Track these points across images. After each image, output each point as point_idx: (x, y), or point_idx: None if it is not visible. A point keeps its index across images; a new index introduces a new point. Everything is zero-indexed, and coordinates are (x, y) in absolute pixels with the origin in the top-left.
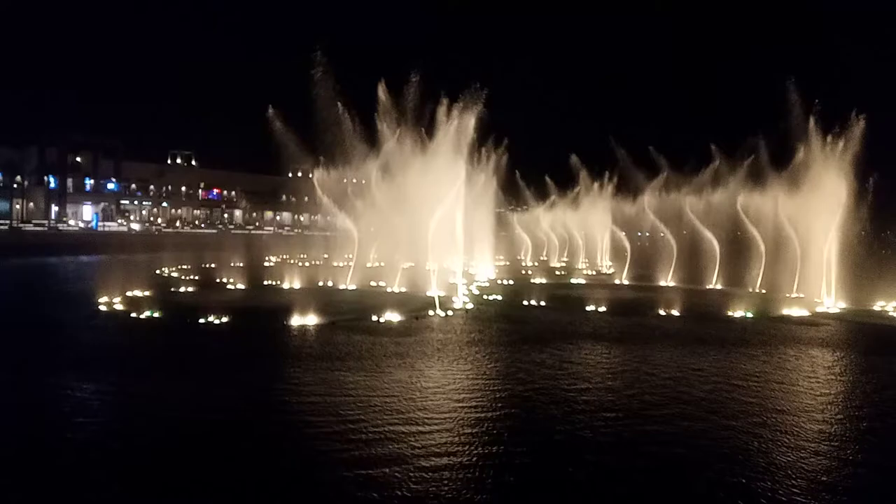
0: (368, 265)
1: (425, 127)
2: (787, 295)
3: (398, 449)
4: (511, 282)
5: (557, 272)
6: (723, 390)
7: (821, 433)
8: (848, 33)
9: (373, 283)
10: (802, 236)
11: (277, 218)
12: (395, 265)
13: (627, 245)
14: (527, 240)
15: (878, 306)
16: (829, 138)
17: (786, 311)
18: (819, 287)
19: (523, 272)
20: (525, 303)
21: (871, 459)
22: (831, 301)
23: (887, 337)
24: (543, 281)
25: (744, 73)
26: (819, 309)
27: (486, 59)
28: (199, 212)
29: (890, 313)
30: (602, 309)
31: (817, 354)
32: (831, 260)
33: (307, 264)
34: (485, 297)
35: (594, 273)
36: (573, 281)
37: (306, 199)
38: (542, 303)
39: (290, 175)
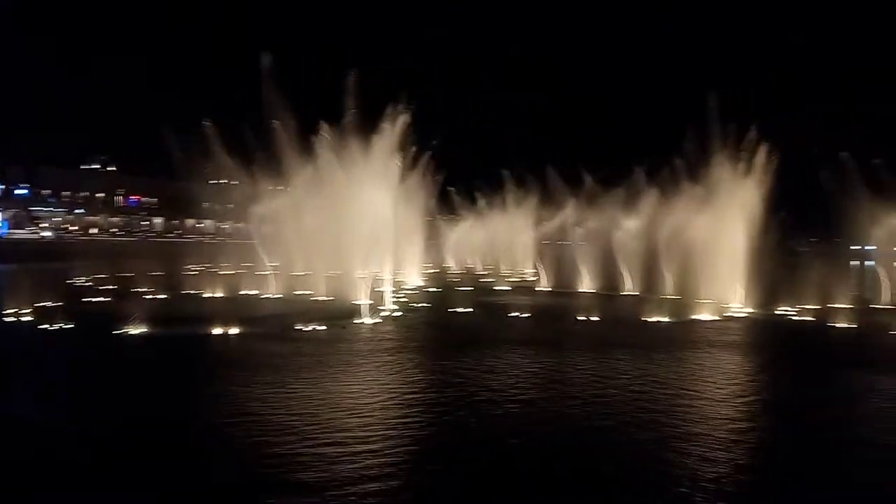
0: (293, 273)
1: (354, 135)
2: (698, 300)
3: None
4: (438, 289)
5: (483, 279)
6: (617, 390)
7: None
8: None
9: (298, 292)
10: (713, 245)
11: (199, 225)
12: (322, 273)
13: (551, 253)
14: (454, 247)
15: (780, 310)
16: (739, 155)
17: (696, 316)
18: (727, 292)
19: (450, 279)
20: (452, 310)
21: (718, 457)
22: (739, 305)
23: (785, 337)
24: (470, 288)
25: (664, 90)
26: (727, 313)
27: (417, 68)
28: (116, 219)
29: (791, 316)
30: (525, 315)
31: (721, 356)
32: (739, 267)
33: (230, 273)
34: (412, 304)
35: (518, 280)
36: (498, 288)
37: (230, 206)
38: (469, 309)
39: (214, 182)
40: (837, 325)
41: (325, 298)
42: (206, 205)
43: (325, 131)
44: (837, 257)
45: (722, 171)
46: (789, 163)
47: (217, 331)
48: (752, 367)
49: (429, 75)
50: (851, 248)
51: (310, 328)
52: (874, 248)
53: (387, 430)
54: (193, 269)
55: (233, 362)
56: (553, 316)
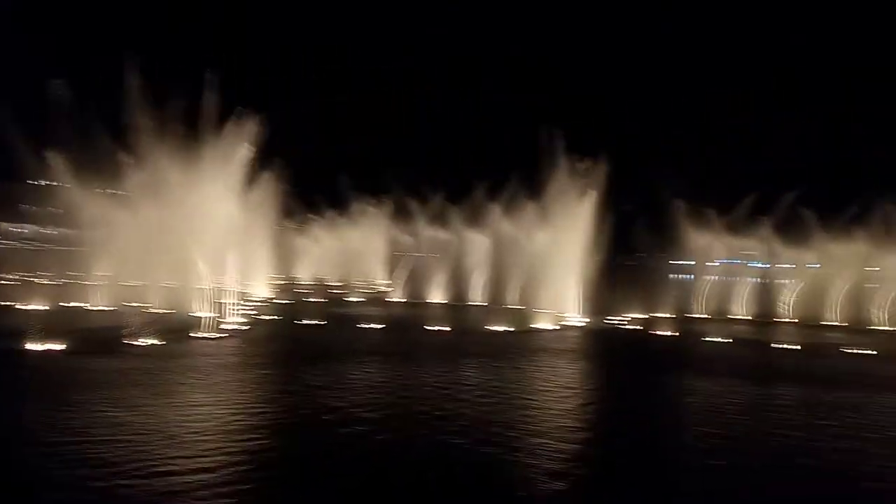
0: (127, 283)
1: (194, 140)
2: (539, 310)
3: None
4: (288, 301)
5: (335, 290)
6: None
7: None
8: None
9: (131, 303)
10: (551, 258)
11: (17, 230)
12: (159, 283)
13: (403, 264)
14: (305, 258)
15: (612, 319)
16: (578, 178)
17: (539, 325)
18: (566, 303)
19: (300, 291)
20: (302, 322)
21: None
22: (575, 315)
23: (615, 345)
24: (321, 300)
25: (509, 119)
26: (564, 322)
27: (269, 75)
28: None
29: (620, 325)
30: (377, 326)
31: (559, 363)
32: (577, 280)
33: (53, 282)
34: (259, 316)
35: (371, 291)
36: (350, 299)
37: (55, 209)
38: (319, 321)
39: (34, 182)
40: (660, 332)
41: (163, 311)
42: (24, 207)
43: (162, 132)
44: (660, 271)
45: (560, 189)
46: (619, 183)
47: (35, 346)
48: (588, 375)
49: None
50: (671, 262)
51: (144, 343)
52: (692, 262)
53: (220, 458)
54: (10, 278)
55: (52, 381)
56: (404, 327)
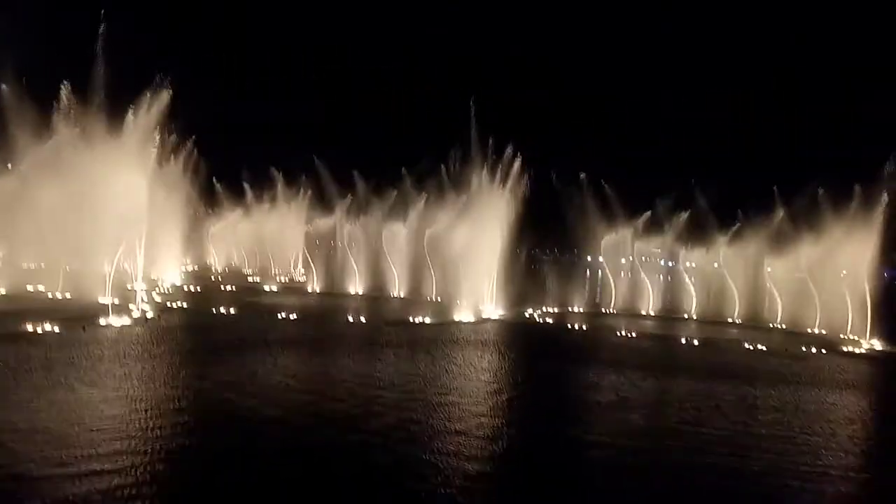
0: (24, 265)
1: (100, 114)
2: (457, 303)
3: None
4: (199, 288)
5: (250, 279)
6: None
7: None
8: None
9: (29, 287)
10: (470, 253)
11: None
12: (59, 266)
13: (321, 254)
14: (219, 245)
15: (528, 312)
16: (495, 171)
17: (457, 318)
18: (483, 296)
19: (213, 278)
20: (214, 310)
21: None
22: (492, 307)
23: (530, 337)
24: (235, 288)
25: (435, 102)
26: (482, 315)
27: (176, 51)
28: None
29: (535, 318)
30: (293, 316)
31: (476, 355)
32: (495, 273)
33: None
34: (168, 304)
35: (287, 281)
36: (266, 288)
37: None
38: (233, 310)
39: None
40: (573, 326)
41: (64, 296)
42: None
43: (68, 103)
44: (573, 267)
45: (480, 182)
46: (540, 180)
47: None
48: (501, 366)
49: None
50: (584, 258)
51: (42, 330)
52: (601, 259)
53: (114, 456)
54: None
55: None
56: (321, 318)
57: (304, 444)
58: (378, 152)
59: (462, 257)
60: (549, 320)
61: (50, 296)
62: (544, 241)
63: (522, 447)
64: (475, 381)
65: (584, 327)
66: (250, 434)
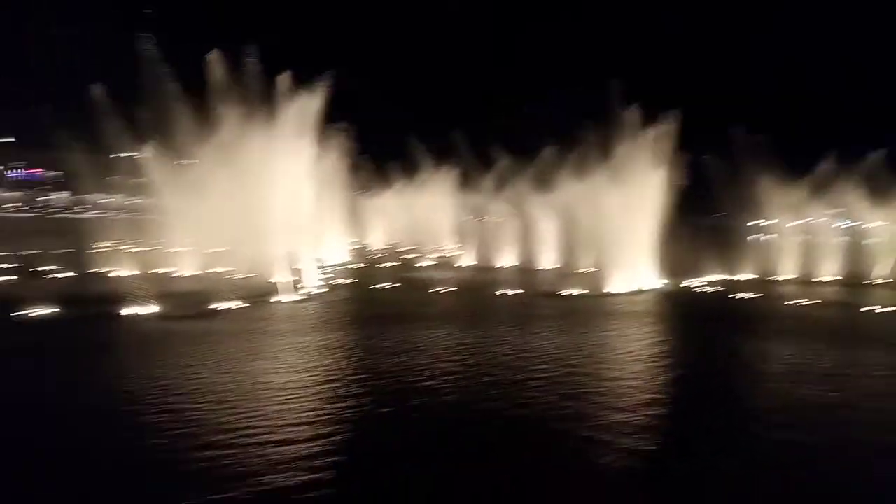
0: (211, 249)
1: (268, 105)
2: (613, 273)
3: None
4: (361, 265)
5: (405, 255)
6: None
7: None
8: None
9: (216, 269)
10: (624, 220)
11: (107, 200)
12: (240, 249)
13: (472, 228)
14: (377, 223)
15: (688, 281)
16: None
17: (612, 289)
18: (640, 265)
19: (373, 256)
20: (374, 286)
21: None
22: (650, 278)
23: (691, 309)
24: (392, 264)
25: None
26: (641, 286)
27: (336, 43)
28: (16, 194)
29: (696, 287)
30: (448, 290)
31: (637, 328)
32: (652, 242)
33: (142, 250)
34: (334, 280)
35: (441, 255)
36: (421, 263)
37: (138, 179)
38: (391, 285)
39: (120, 155)
40: (741, 295)
41: (244, 276)
42: (113, 178)
43: (239, 101)
44: (739, 231)
45: (632, 149)
46: (695, 140)
47: (127, 311)
48: (665, 340)
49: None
50: (752, 223)
51: (226, 307)
52: (775, 221)
53: (312, 422)
54: (101, 246)
55: (145, 344)
56: (476, 290)
57: (474, 412)
58: (524, 120)
59: (615, 225)
60: (712, 289)
61: (234, 276)
62: (705, 204)
63: (697, 431)
64: (634, 355)
65: (753, 296)
66: (419, 401)
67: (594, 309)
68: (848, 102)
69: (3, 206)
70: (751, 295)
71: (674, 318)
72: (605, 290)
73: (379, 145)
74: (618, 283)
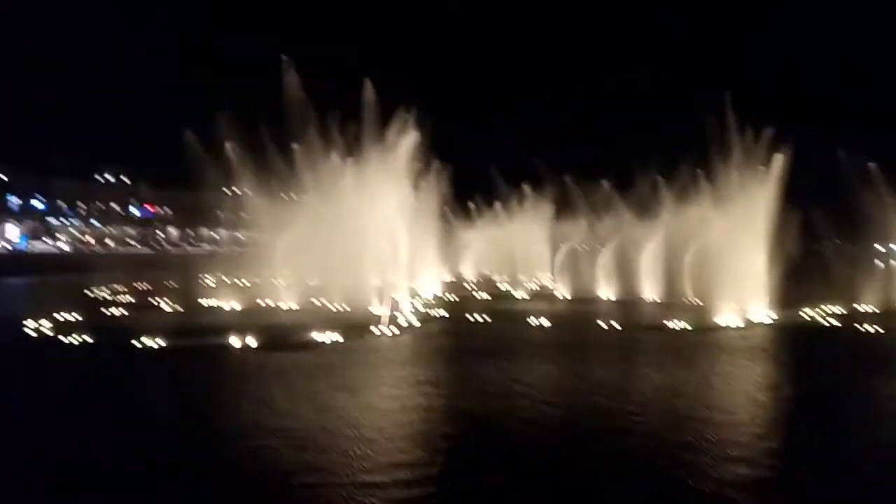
0: (309, 282)
1: (362, 141)
2: (721, 305)
3: None
4: (455, 297)
5: (501, 287)
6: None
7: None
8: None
9: (314, 301)
10: (733, 248)
11: (214, 235)
12: (337, 282)
13: (570, 258)
14: (470, 254)
15: (806, 313)
16: (756, 155)
17: (721, 322)
18: (751, 297)
19: (467, 287)
20: (470, 318)
21: None
22: (763, 310)
23: (808, 341)
24: (487, 296)
25: (680, 95)
26: (751, 318)
27: (424, 74)
28: (131, 230)
29: (816, 319)
30: (545, 323)
31: (753, 366)
32: (763, 271)
33: (246, 283)
34: (429, 312)
35: (537, 287)
36: (517, 295)
37: (244, 215)
38: (487, 318)
39: (226, 191)
40: (866, 328)
41: (341, 308)
42: (220, 214)
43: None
44: (862, 258)
45: (740, 172)
46: (809, 162)
47: (236, 342)
48: (784, 378)
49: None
50: (876, 247)
51: (324, 339)
52: None
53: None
54: (208, 279)
55: (252, 374)
56: (574, 324)
57: (576, 458)
58: (620, 149)
59: (724, 254)
60: (834, 322)
61: (330, 308)
62: (824, 230)
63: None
64: (749, 396)
65: (882, 329)
66: (511, 441)
67: (702, 344)
68: None
69: (122, 242)
70: (877, 328)
71: (792, 355)
72: (713, 324)
73: (472, 176)
74: (727, 316)
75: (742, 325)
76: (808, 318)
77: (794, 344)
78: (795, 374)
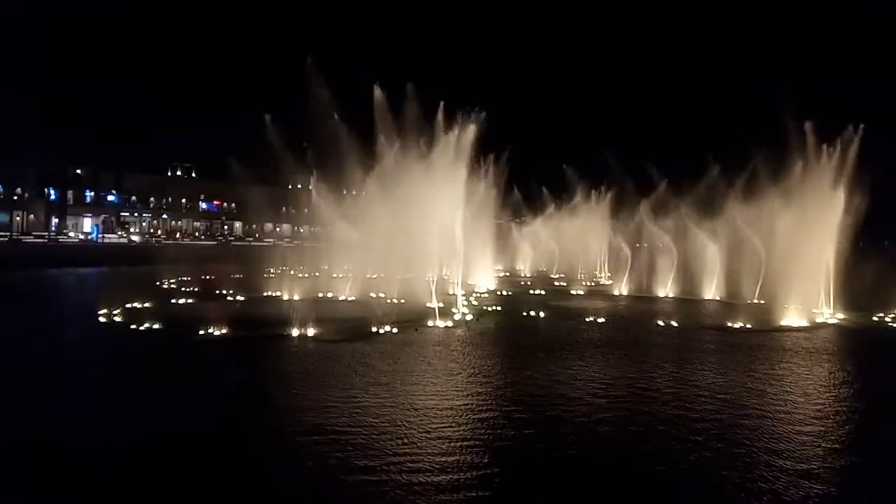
0: (367, 276)
1: (424, 136)
2: (785, 306)
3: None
4: (510, 293)
5: (556, 282)
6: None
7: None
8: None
9: (372, 294)
10: (799, 247)
11: (277, 229)
12: (394, 276)
13: (626, 255)
14: (526, 251)
15: (876, 315)
16: (824, 151)
17: (784, 322)
18: (817, 297)
19: (522, 283)
20: (524, 313)
21: None
22: (829, 311)
23: (876, 343)
24: (542, 292)
25: (739, 82)
26: (818, 319)
27: (484, 69)
28: (199, 223)
29: (886, 321)
30: (601, 320)
31: (809, 367)
32: (829, 270)
33: (307, 275)
34: (484, 307)
35: (592, 284)
36: (572, 291)
37: (306, 210)
38: (542, 314)
39: (290, 186)
40: None
41: (399, 302)
42: (283, 209)
43: (394, 132)
44: None
45: (808, 169)
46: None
47: (296, 332)
48: (852, 382)
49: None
50: None
51: (382, 330)
52: None
53: (458, 452)
54: (272, 271)
55: (311, 366)
56: (630, 321)
57: (627, 455)
58: (676, 144)
59: (790, 252)
60: None
61: (388, 301)
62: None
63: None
64: (812, 401)
65: None
66: (568, 435)
67: (765, 345)
68: None
69: (190, 235)
70: None
71: (859, 357)
72: (776, 324)
73: (530, 171)
74: (791, 317)
75: (806, 325)
76: (878, 320)
77: (857, 346)
78: (851, 373)
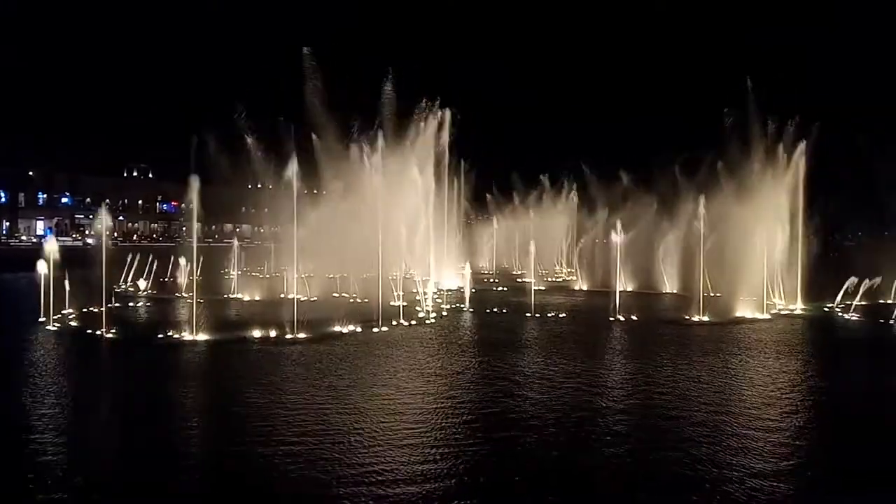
0: (330, 275)
1: (385, 134)
2: (741, 298)
3: None
4: (474, 290)
5: (519, 279)
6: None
7: None
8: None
9: (335, 294)
10: (753, 240)
11: (237, 230)
12: (358, 275)
13: (586, 251)
14: (490, 248)
15: (829, 306)
16: (777, 145)
17: (740, 315)
18: (771, 289)
19: (486, 280)
20: (487, 310)
21: None
22: (783, 303)
23: (829, 334)
24: (505, 288)
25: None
26: (776, 311)
27: (448, 68)
28: (156, 225)
29: (838, 312)
30: (562, 315)
31: (776, 360)
32: (782, 262)
33: (267, 276)
34: (449, 305)
35: (554, 280)
36: (535, 288)
37: (266, 210)
38: (504, 310)
39: (249, 186)
40: (890, 321)
41: (363, 300)
42: (243, 209)
43: (359, 134)
44: (887, 251)
45: (761, 163)
46: (834, 152)
47: (258, 334)
48: (811, 374)
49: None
50: None
51: (345, 330)
52: None
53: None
54: (231, 273)
55: (272, 365)
56: (590, 315)
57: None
58: (642, 142)
59: (742, 245)
60: (857, 315)
61: (351, 301)
62: (846, 220)
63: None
64: (774, 392)
65: None
66: (530, 437)
67: (723, 337)
68: None
69: (147, 237)
70: None
71: (819, 348)
72: (733, 316)
73: (491, 168)
74: (747, 309)
75: (761, 317)
76: (830, 311)
77: (810, 337)
78: (805, 364)
